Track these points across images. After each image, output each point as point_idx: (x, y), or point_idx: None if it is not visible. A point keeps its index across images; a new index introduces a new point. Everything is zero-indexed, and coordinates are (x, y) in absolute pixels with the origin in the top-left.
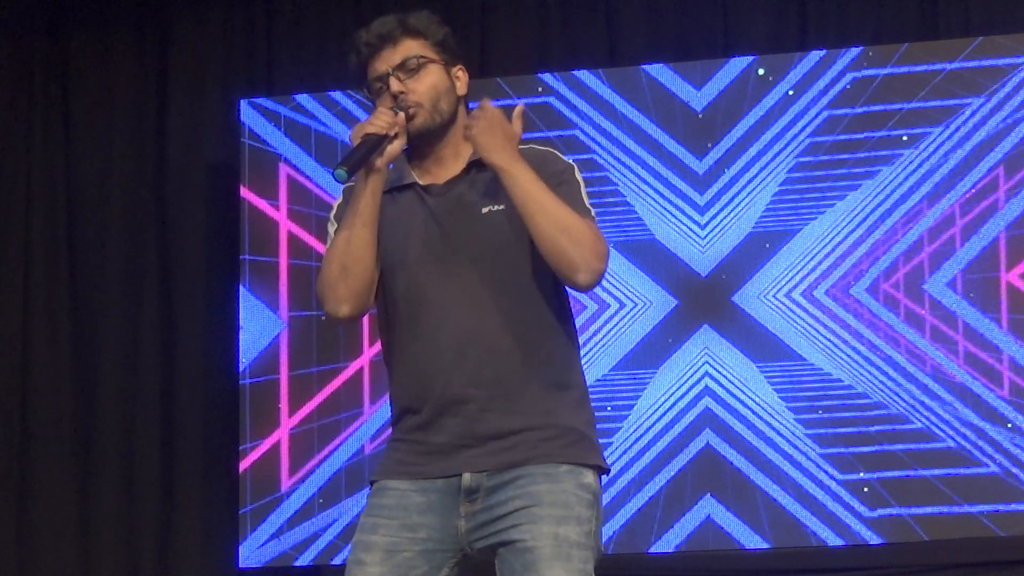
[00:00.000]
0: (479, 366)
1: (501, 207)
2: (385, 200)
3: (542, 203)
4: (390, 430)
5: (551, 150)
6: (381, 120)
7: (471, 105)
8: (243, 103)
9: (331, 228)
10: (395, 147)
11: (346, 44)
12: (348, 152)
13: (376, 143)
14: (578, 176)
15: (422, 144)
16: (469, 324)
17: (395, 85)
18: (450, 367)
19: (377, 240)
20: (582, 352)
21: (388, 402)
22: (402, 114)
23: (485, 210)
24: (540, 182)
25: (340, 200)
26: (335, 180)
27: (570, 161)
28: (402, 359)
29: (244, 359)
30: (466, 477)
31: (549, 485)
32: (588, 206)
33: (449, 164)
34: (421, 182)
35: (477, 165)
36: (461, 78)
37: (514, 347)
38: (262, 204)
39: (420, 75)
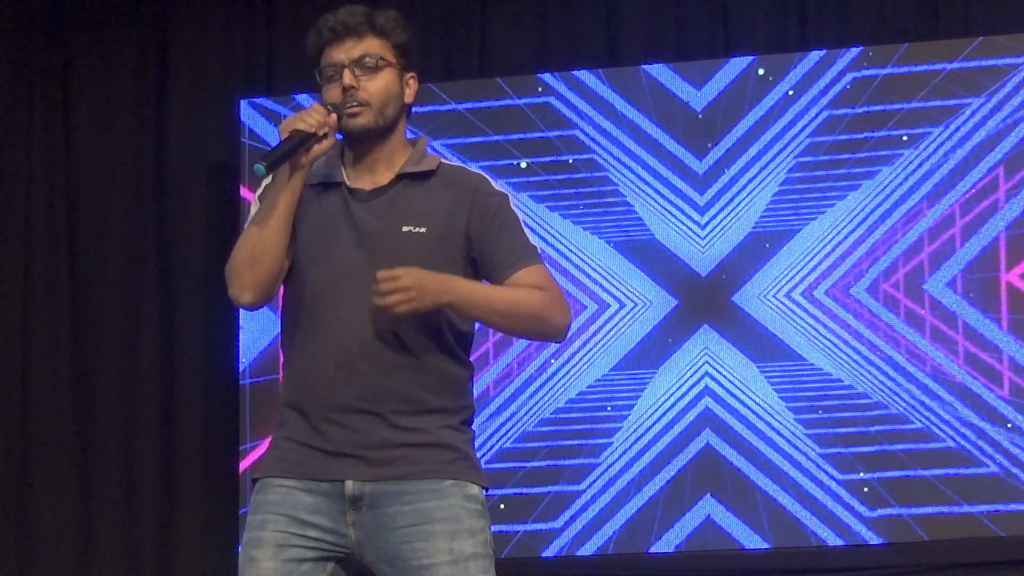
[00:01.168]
0: (367, 379)
1: (422, 229)
2: (310, 194)
3: (497, 309)
4: (277, 418)
5: (484, 176)
6: (311, 118)
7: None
8: (243, 103)
9: (254, 209)
10: (322, 147)
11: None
12: (273, 148)
13: (302, 140)
14: (513, 207)
15: (358, 145)
16: (365, 336)
17: (348, 78)
18: (340, 376)
19: (293, 232)
20: (583, 351)
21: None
22: (334, 115)
23: (405, 228)
24: (480, 292)
25: (268, 180)
26: (255, 172)
27: (502, 189)
28: (297, 356)
29: (244, 359)
30: (348, 485)
31: (437, 501)
32: (531, 244)
33: (381, 170)
34: (350, 184)
35: (408, 177)
36: (412, 86)
37: (405, 365)
38: None
39: (375, 75)
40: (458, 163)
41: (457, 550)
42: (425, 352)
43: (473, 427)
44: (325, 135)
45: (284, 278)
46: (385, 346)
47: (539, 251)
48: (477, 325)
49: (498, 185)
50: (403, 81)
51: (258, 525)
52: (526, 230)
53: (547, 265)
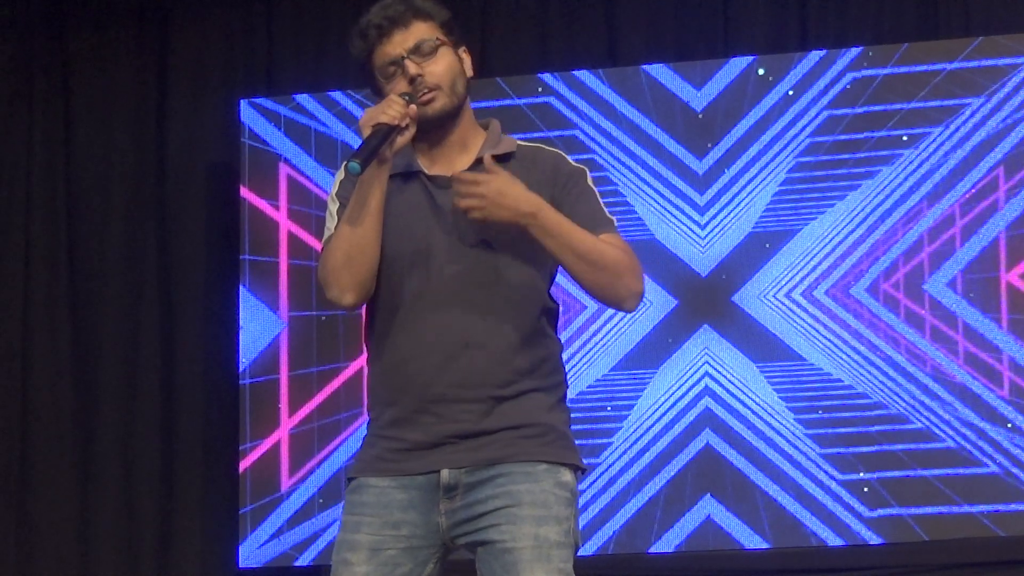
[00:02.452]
0: (464, 367)
1: None
2: (391, 186)
3: (576, 245)
4: (367, 419)
5: (560, 153)
6: (393, 110)
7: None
8: (243, 103)
9: (332, 206)
10: (405, 138)
11: (347, 43)
12: (361, 143)
13: (387, 133)
14: (590, 182)
15: (432, 130)
16: (458, 323)
17: (412, 68)
18: (434, 365)
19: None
20: (583, 351)
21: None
22: (413, 105)
23: None
24: (566, 224)
25: (342, 176)
26: (348, 172)
27: (580, 165)
28: (386, 349)
29: (244, 359)
30: (444, 474)
31: (528, 484)
32: (608, 215)
33: (456, 155)
34: (428, 171)
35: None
36: (466, 59)
37: (501, 351)
38: (262, 204)
39: (435, 57)
40: (533, 143)
41: (542, 536)
42: (520, 335)
43: (568, 404)
44: (407, 126)
45: None
46: (479, 333)
47: (616, 225)
48: (560, 302)
49: (574, 162)
50: (460, 56)
51: (353, 527)
52: (603, 204)
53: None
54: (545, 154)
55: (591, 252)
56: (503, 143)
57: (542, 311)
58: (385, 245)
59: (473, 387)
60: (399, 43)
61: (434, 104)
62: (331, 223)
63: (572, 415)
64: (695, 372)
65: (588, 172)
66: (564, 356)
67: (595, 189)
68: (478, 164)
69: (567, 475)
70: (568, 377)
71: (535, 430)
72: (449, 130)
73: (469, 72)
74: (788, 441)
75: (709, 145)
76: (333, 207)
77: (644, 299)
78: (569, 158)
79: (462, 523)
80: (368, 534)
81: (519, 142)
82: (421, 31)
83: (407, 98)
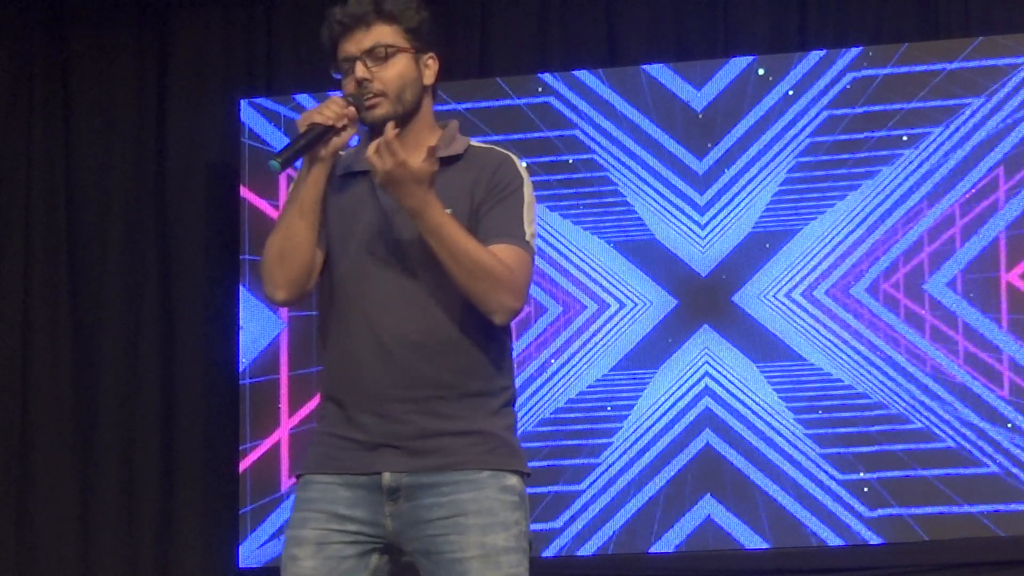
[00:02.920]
0: (405, 367)
1: (449, 211)
2: (338, 183)
3: (452, 248)
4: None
5: (510, 156)
6: (329, 111)
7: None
8: (243, 103)
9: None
10: (341, 139)
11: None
12: (288, 142)
13: (321, 134)
14: (526, 192)
15: (381, 131)
16: (400, 323)
17: (360, 71)
18: (376, 365)
19: (324, 223)
20: (583, 351)
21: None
22: (352, 108)
23: None
24: (451, 224)
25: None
26: (269, 170)
27: (523, 174)
28: (332, 347)
29: (244, 359)
30: (386, 476)
31: (473, 493)
32: (524, 228)
33: (408, 155)
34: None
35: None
36: (431, 66)
37: (443, 351)
38: (262, 204)
39: (388, 63)
40: (488, 144)
41: (489, 544)
42: (463, 335)
43: (515, 409)
44: (344, 127)
45: (320, 270)
46: (418, 331)
47: (529, 240)
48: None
49: (521, 167)
50: (420, 64)
51: (299, 523)
52: (527, 216)
53: (533, 257)
54: (493, 155)
55: (467, 259)
56: (454, 144)
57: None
58: (330, 239)
59: (413, 388)
60: (357, 42)
61: (375, 111)
62: None
63: (572, 415)
64: (695, 372)
65: (527, 182)
66: (559, 357)
67: (527, 200)
68: None
69: (512, 480)
70: (523, 381)
71: (477, 438)
72: (398, 133)
73: (428, 80)
74: (788, 441)
75: (709, 145)
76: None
77: (519, 313)
78: (519, 163)
79: (407, 527)
80: (314, 529)
81: (473, 143)
82: (382, 34)
83: (351, 99)
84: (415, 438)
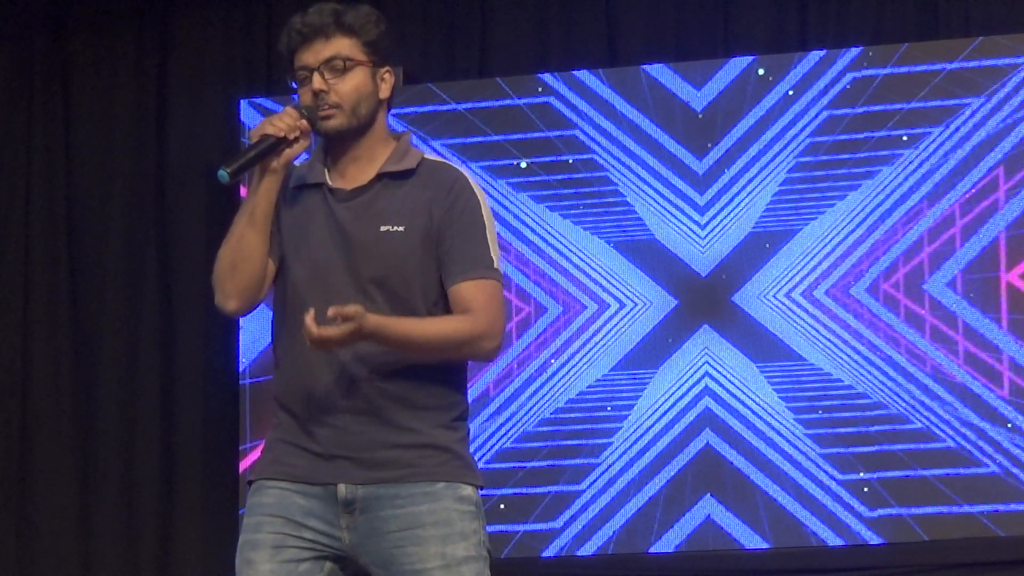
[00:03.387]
0: (356, 380)
1: (400, 228)
2: (293, 194)
3: (424, 347)
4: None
5: (463, 174)
6: (282, 122)
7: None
8: (243, 103)
9: None
10: (294, 150)
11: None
12: (238, 153)
13: (273, 145)
14: (484, 213)
15: (336, 144)
16: None
17: (318, 82)
18: (328, 376)
19: (277, 234)
20: (583, 351)
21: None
22: (304, 120)
23: (384, 228)
24: (407, 325)
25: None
26: (218, 180)
27: (478, 192)
28: (284, 358)
29: (244, 359)
30: (341, 488)
31: (429, 504)
32: (491, 256)
33: (363, 168)
34: (331, 183)
35: (389, 176)
36: (387, 80)
37: (394, 364)
38: None
39: (345, 76)
40: (439, 158)
41: (449, 554)
42: None
43: (467, 423)
44: (296, 139)
45: (273, 280)
46: (371, 344)
47: (495, 261)
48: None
49: (475, 185)
50: (377, 78)
51: (254, 527)
52: (491, 236)
53: (502, 281)
54: (446, 171)
55: (440, 344)
56: (406, 158)
57: None
58: (284, 250)
59: (364, 400)
60: (315, 53)
61: (330, 122)
62: None
63: (572, 415)
64: (695, 372)
65: (484, 200)
66: (559, 357)
67: (487, 219)
68: (378, 180)
69: (467, 490)
70: (468, 396)
71: (430, 450)
72: (351, 146)
73: (384, 94)
74: (788, 441)
75: (709, 145)
76: None
77: (501, 342)
78: (472, 180)
79: (364, 540)
80: (270, 533)
81: (425, 156)
82: (340, 46)
83: (304, 111)
84: (368, 449)
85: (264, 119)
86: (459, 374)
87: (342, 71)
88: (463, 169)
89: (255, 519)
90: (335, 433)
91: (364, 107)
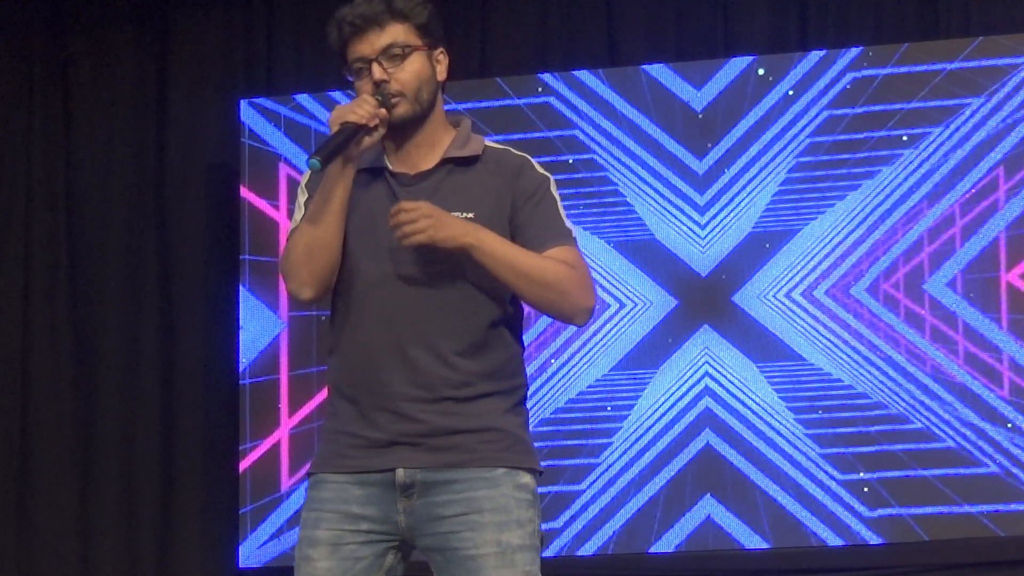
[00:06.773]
0: (422, 366)
1: (470, 215)
2: (357, 180)
3: (517, 268)
4: (328, 412)
5: (527, 158)
6: (363, 110)
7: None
8: (243, 103)
9: (301, 197)
10: (373, 138)
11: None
12: (325, 141)
13: (353, 132)
14: (554, 191)
15: (398, 132)
16: (417, 323)
17: (378, 72)
18: (392, 363)
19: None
20: (583, 351)
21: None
22: (384, 108)
23: (454, 214)
24: (505, 248)
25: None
26: (308, 168)
27: (545, 172)
28: (347, 344)
29: (244, 359)
30: (400, 473)
31: (487, 490)
32: (567, 226)
33: (424, 154)
34: (394, 169)
35: (453, 161)
36: (442, 62)
37: (459, 351)
38: (262, 204)
39: (404, 63)
40: (501, 144)
41: (505, 542)
42: (479, 335)
43: (527, 406)
44: (375, 127)
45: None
46: (436, 331)
47: (574, 235)
48: (526, 309)
49: (541, 168)
50: (432, 60)
51: (312, 523)
52: (564, 214)
53: (581, 251)
54: (511, 158)
55: (533, 271)
56: (470, 144)
57: (500, 314)
58: (347, 239)
59: (427, 387)
60: (371, 43)
61: (396, 110)
62: (298, 215)
63: (572, 415)
64: (695, 372)
65: (552, 179)
66: (559, 357)
67: (557, 197)
68: (442, 165)
69: (525, 478)
70: (529, 380)
71: (492, 435)
72: (413, 132)
73: (442, 76)
74: (788, 441)
75: (709, 145)
76: (302, 198)
77: (593, 313)
78: (536, 164)
79: (421, 523)
80: (328, 529)
81: (488, 143)
82: (395, 33)
83: (379, 99)
84: (430, 435)
85: (341, 107)
86: (519, 358)
87: (401, 58)
88: (525, 155)
89: (314, 515)
90: (396, 419)
91: (426, 91)
